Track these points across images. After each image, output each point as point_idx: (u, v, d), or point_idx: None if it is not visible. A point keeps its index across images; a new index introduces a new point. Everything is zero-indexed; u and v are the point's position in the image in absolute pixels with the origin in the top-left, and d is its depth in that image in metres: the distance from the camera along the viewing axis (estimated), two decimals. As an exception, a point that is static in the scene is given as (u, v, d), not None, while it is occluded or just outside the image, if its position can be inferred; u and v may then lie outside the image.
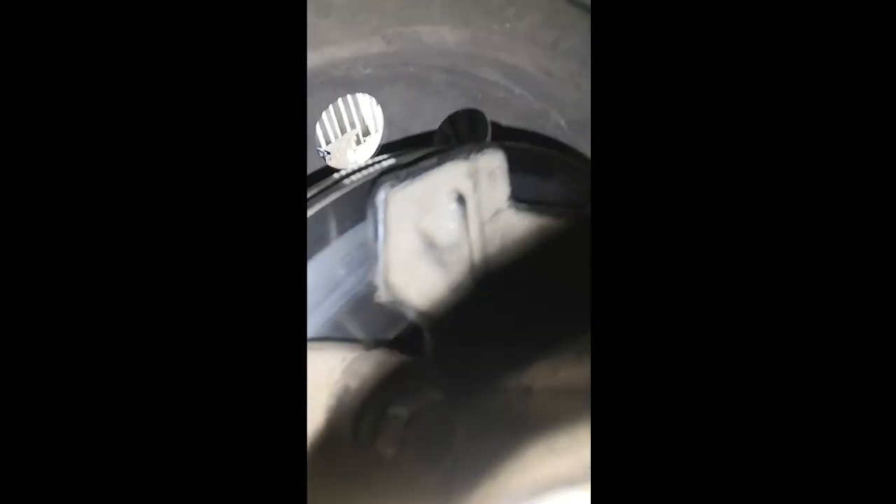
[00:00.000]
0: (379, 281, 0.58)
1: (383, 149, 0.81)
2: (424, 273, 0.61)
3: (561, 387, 0.54)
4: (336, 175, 0.71)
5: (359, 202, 0.62)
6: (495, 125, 0.84)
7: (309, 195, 0.67)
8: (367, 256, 0.59)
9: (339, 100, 0.71)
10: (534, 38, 0.74)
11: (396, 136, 0.84)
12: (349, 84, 0.75)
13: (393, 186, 0.58)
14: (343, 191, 0.65)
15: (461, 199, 0.63)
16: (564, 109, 0.86)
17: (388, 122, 0.82)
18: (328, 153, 0.70)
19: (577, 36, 0.76)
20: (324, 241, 0.62)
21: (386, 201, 0.57)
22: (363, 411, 0.50)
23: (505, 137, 0.84)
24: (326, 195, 0.65)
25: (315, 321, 0.61)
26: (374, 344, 0.59)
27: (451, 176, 0.61)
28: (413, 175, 0.59)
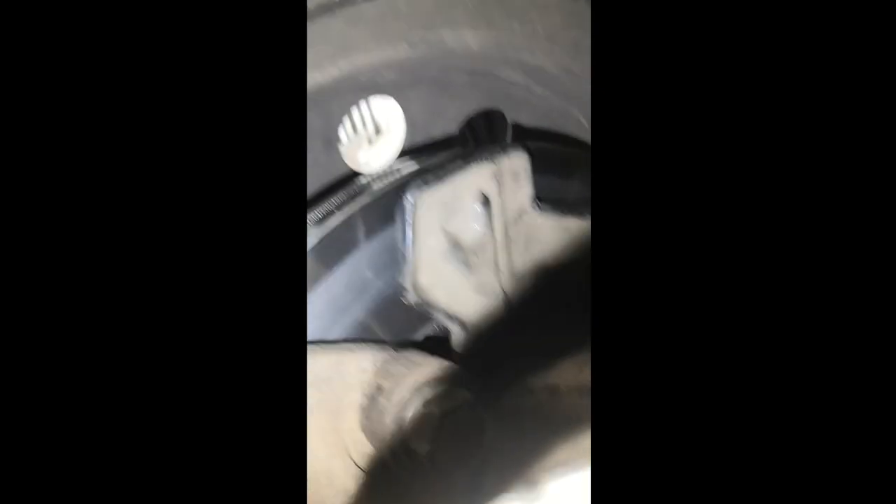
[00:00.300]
0: (407, 283, 0.60)
1: (405, 152, 0.83)
2: (451, 274, 0.62)
3: (587, 385, 0.54)
4: (362, 181, 0.73)
5: (386, 206, 0.63)
6: (517, 125, 0.85)
7: (337, 201, 0.69)
8: (396, 259, 0.61)
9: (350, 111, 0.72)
10: (555, 38, 0.75)
11: (419, 139, 0.85)
12: (373, 88, 0.76)
13: (421, 190, 0.59)
14: (371, 196, 0.66)
15: (486, 201, 0.64)
16: (586, 108, 0.87)
17: (411, 124, 0.83)
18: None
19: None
20: (353, 246, 0.64)
21: (414, 204, 0.58)
22: (397, 410, 0.51)
23: (527, 137, 0.84)
24: (354, 200, 0.67)
25: (343, 323, 0.63)
26: (402, 345, 0.61)
27: (475, 178, 0.62)
28: (440, 178, 0.60)
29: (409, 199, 0.59)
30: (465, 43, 0.71)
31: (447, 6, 0.64)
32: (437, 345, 0.61)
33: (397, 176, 0.68)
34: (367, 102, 0.74)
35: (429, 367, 0.53)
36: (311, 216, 0.68)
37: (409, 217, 0.59)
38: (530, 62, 0.79)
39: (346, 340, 0.59)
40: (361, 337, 0.61)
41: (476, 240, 0.63)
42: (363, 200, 0.65)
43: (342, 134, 0.74)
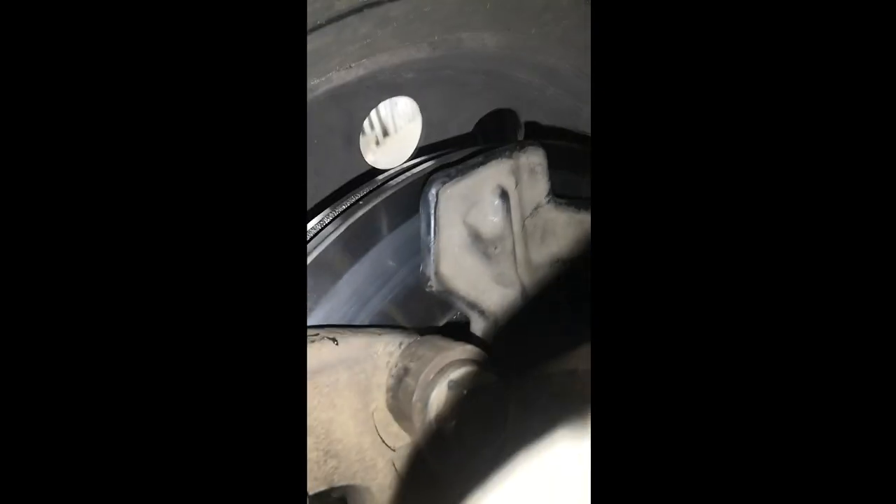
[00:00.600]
0: (430, 272, 0.62)
1: (422, 150, 0.85)
2: (472, 265, 0.64)
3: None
4: (381, 177, 0.75)
5: (408, 200, 0.66)
6: (533, 124, 0.87)
7: (357, 196, 0.72)
8: (419, 249, 0.64)
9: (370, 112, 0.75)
10: (569, 40, 0.78)
11: (435, 137, 0.88)
12: (392, 88, 0.79)
13: (444, 183, 0.62)
14: (393, 190, 0.69)
15: (504, 195, 0.66)
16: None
17: (427, 123, 0.86)
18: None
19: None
20: (377, 237, 0.67)
21: (437, 196, 0.61)
22: (423, 390, 0.54)
23: (542, 136, 0.87)
24: (377, 195, 0.69)
25: (368, 311, 0.66)
26: (425, 331, 0.63)
27: (495, 172, 0.65)
28: (461, 172, 0.63)
29: (432, 192, 0.62)
30: (483, 44, 0.74)
31: (468, 9, 0.67)
32: (457, 331, 0.64)
33: (419, 171, 0.70)
34: (379, 105, 0.76)
35: (453, 350, 0.56)
36: (335, 209, 0.71)
37: (432, 209, 0.62)
38: (545, 63, 0.82)
39: (374, 325, 0.62)
40: (384, 324, 0.64)
41: (495, 232, 0.66)
42: (386, 194, 0.68)
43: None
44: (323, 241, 0.67)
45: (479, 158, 0.65)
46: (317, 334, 0.57)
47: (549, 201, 0.70)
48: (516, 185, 0.67)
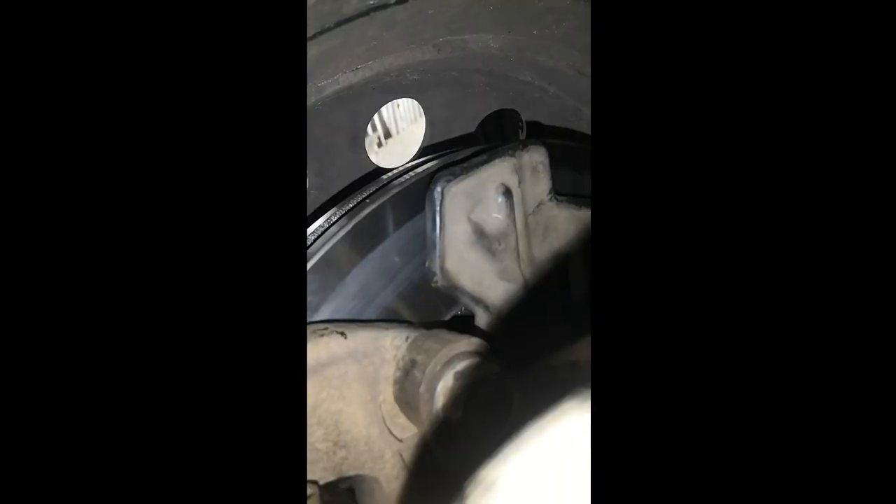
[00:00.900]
0: (436, 267, 0.64)
1: (425, 150, 0.87)
2: (476, 260, 0.66)
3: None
4: (386, 176, 0.77)
5: (414, 197, 0.68)
6: (535, 123, 0.89)
7: (363, 195, 0.73)
8: (425, 246, 0.65)
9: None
10: (570, 41, 0.79)
11: (439, 137, 0.89)
12: (397, 89, 0.81)
13: (448, 181, 0.63)
14: (399, 188, 0.70)
15: (508, 192, 0.68)
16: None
17: (431, 123, 0.88)
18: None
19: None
20: (383, 235, 0.68)
21: (442, 194, 0.63)
22: (429, 381, 0.55)
23: (544, 135, 0.89)
24: (383, 193, 0.71)
25: (375, 306, 0.67)
26: (431, 325, 0.65)
27: (498, 171, 0.67)
28: (466, 170, 0.64)
29: (437, 190, 0.63)
30: (486, 46, 0.76)
31: (472, 11, 0.69)
32: (463, 325, 0.65)
33: (423, 169, 0.72)
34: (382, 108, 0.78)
35: (459, 343, 0.57)
36: (341, 208, 0.73)
37: (437, 207, 0.63)
38: (547, 64, 0.83)
39: (381, 320, 0.63)
40: (390, 319, 0.66)
41: (499, 228, 0.67)
42: (391, 192, 0.70)
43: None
44: (330, 239, 0.68)
45: (483, 157, 0.67)
46: (326, 328, 0.58)
47: (550, 198, 0.71)
48: (519, 183, 0.69)
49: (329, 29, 0.57)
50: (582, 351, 0.60)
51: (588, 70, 0.85)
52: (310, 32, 0.57)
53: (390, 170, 0.79)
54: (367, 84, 0.72)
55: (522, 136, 0.92)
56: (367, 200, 0.69)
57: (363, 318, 0.65)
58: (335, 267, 0.66)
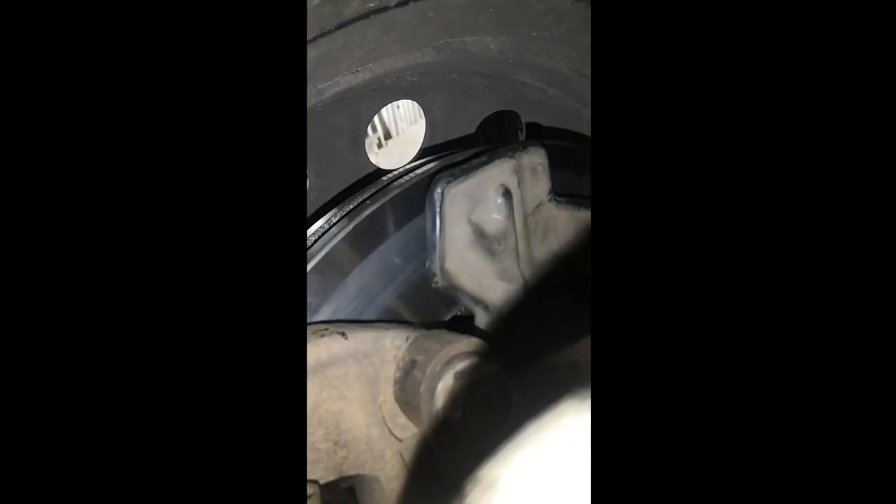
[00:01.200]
0: (436, 268, 0.64)
1: (426, 152, 0.87)
2: (476, 261, 0.66)
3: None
4: (386, 177, 0.77)
5: (414, 199, 0.68)
6: (535, 125, 0.89)
7: (364, 196, 0.74)
8: (424, 247, 0.65)
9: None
10: (569, 42, 0.80)
11: (439, 139, 0.89)
12: (397, 91, 0.81)
13: (448, 182, 0.64)
14: (399, 189, 0.71)
15: (507, 193, 0.68)
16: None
17: (431, 125, 0.88)
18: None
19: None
20: (383, 236, 0.69)
21: (442, 195, 0.63)
22: (429, 381, 0.56)
23: (544, 136, 0.89)
24: (383, 195, 0.71)
25: (375, 307, 0.67)
26: (431, 325, 0.65)
27: (498, 172, 0.67)
28: (466, 172, 0.65)
29: (437, 191, 0.64)
30: (486, 48, 0.76)
31: (471, 13, 0.69)
32: (463, 325, 0.66)
33: (423, 171, 0.72)
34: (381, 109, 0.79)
35: (459, 343, 0.57)
36: (342, 209, 0.73)
37: (437, 207, 0.63)
38: (546, 66, 0.84)
39: (382, 321, 0.64)
40: (390, 320, 0.66)
41: (499, 229, 0.67)
42: (391, 193, 0.70)
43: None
44: (330, 240, 0.69)
45: (483, 158, 0.67)
46: (326, 328, 0.59)
47: (550, 199, 0.72)
48: (519, 184, 0.69)
49: (330, 31, 0.58)
50: (582, 351, 0.60)
51: (587, 71, 0.86)
52: (310, 35, 0.57)
53: (390, 171, 0.79)
54: (367, 86, 0.72)
55: (522, 138, 0.92)
56: (368, 202, 0.70)
57: (363, 318, 0.65)
58: (335, 268, 0.67)
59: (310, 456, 0.56)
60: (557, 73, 0.86)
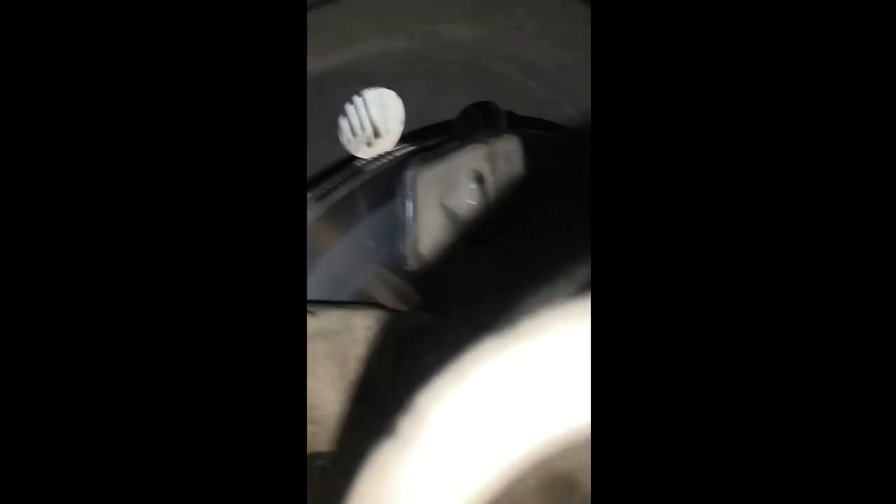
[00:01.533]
0: (409, 251, 0.65)
1: (403, 139, 0.88)
2: (448, 245, 0.67)
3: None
4: (358, 163, 0.78)
5: (386, 183, 0.68)
6: (510, 114, 0.90)
7: (339, 179, 0.74)
8: (396, 231, 0.66)
9: (349, 103, 0.77)
10: (546, 32, 0.81)
11: (415, 127, 0.90)
12: (372, 79, 0.82)
13: (420, 167, 0.64)
14: (371, 174, 0.71)
15: (480, 179, 0.69)
16: (576, 99, 0.92)
17: (407, 114, 0.88)
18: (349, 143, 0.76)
19: (586, 29, 0.81)
20: (355, 219, 0.69)
21: (414, 179, 0.64)
22: (399, 362, 0.56)
23: (520, 126, 0.90)
24: (355, 179, 0.72)
25: (347, 290, 0.68)
26: (403, 307, 0.66)
27: (471, 157, 0.67)
28: (438, 156, 0.65)
29: (409, 175, 0.64)
30: (459, 37, 0.77)
31: (443, 1, 0.70)
32: (433, 307, 0.66)
33: (395, 156, 0.73)
34: (366, 103, 0.79)
35: (429, 324, 0.58)
36: (315, 193, 0.74)
37: (409, 191, 0.64)
38: (522, 56, 0.84)
39: (353, 302, 0.64)
40: (363, 302, 0.66)
41: (471, 215, 0.68)
42: (364, 178, 0.71)
43: (342, 136, 0.79)
44: (304, 224, 0.69)
45: (455, 143, 0.68)
46: (296, 309, 0.59)
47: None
48: (492, 171, 0.70)
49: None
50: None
51: (564, 61, 0.86)
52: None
53: (362, 159, 0.79)
54: (339, 71, 0.73)
55: (499, 127, 0.93)
56: (340, 185, 0.70)
57: (335, 300, 0.66)
58: (308, 250, 0.67)
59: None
60: (535, 64, 0.87)
